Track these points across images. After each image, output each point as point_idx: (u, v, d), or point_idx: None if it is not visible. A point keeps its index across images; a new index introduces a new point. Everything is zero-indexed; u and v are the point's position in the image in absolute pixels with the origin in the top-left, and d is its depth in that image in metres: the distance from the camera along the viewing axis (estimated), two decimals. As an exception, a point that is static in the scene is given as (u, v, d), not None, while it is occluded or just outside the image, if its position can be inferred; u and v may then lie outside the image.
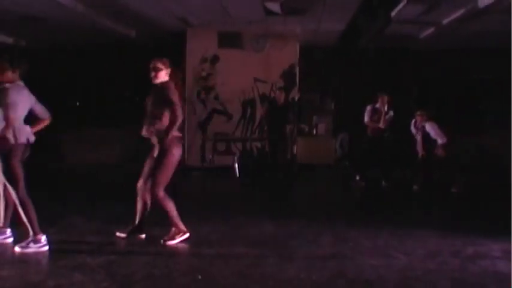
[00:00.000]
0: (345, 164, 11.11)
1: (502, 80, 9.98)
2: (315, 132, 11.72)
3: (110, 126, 11.59)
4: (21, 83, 4.56)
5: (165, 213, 4.75)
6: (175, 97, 4.69)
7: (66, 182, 9.24)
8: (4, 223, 4.80)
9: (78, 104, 12.81)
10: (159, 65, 4.85)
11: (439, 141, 8.07)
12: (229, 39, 10.62)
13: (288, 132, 9.49)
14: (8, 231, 4.84)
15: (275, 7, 8.20)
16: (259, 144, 10.81)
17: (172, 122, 4.63)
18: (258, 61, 10.66)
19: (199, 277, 3.88)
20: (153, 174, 4.67)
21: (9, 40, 11.62)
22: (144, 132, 4.78)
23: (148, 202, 4.88)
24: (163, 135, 4.63)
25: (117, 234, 4.95)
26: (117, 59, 11.85)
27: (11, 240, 4.79)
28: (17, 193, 4.45)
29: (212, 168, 10.40)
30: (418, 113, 8.33)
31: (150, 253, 4.52)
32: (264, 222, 5.79)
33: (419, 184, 8.31)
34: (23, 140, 4.47)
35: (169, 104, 4.64)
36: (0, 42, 11.53)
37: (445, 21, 8.89)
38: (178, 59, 10.73)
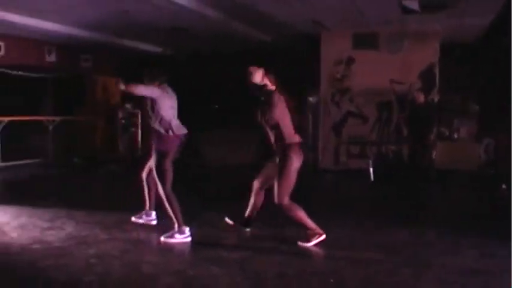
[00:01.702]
0: (490, 171, 10.24)
1: None
2: (456, 136, 11.00)
3: (246, 127, 12.04)
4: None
5: (296, 221, 4.79)
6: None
7: (204, 181, 9.80)
8: (150, 206, 5.34)
9: (217, 106, 13.54)
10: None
11: None
12: (364, 40, 10.42)
13: (429, 135, 9.02)
14: (153, 214, 5.36)
15: (413, 4, 7.88)
16: (395, 148, 10.44)
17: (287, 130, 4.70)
18: (394, 61, 10.29)
19: (331, 280, 3.87)
20: (277, 184, 4.66)
21: (158, 49, 12.71)
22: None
23: (259, 204, 5.03)
24: (281, 142, 4.67)
25: (226, 219, 5.27)
26: (254, 63, 12.29)
27: (155, 222, 5.30)
28: (164, 188, 4.86)
29: (346, 171, 10.28)
30: None
31: (283, 252, 4.62)
32: (398, 228, 5.58)
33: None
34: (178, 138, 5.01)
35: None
36: (151, 52, 12.67)
37: None
38: (314, 62, 10.85)
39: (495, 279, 3.97)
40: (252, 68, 4.88)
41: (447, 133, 10.99)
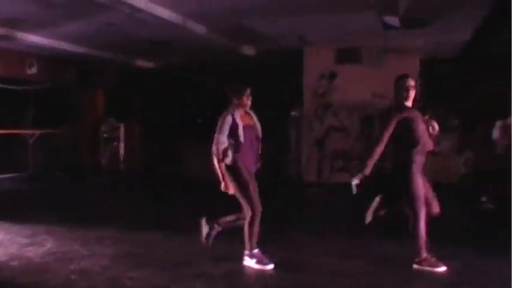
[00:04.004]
0: (470, 184, 10.36)
1: None
2: (437, 150, 11.11)
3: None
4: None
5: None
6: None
7: (188, 195, 9.73)
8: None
9: (200, 121, 13.52)
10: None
11: None
12: (347, 55, 10.53)
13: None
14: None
15: (394, 21, 7.99)
16: (378, 162, 10.48)
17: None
18: (376, 76, 10.40)
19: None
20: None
21: (144, 63, 12.70)
22: None
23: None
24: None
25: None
26: (238, 77, 12.36)
27: None
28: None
29: (329, 185, 10.31)
30: None
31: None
32: (381, 241, 5.60)
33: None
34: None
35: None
36: (136, 65, 12.65)
37: None
38: (296, 76, 10.92)
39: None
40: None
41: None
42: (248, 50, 10.89)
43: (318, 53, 10.66)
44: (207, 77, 13.03)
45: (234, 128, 4.50)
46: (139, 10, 7.19)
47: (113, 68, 13.18)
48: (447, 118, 11.29)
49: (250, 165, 4.60)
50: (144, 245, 5.31)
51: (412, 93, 4.55)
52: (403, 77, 4.62)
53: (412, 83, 4.56)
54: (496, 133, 8.01)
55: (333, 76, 10.78)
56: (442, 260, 4.66)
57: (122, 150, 13.24)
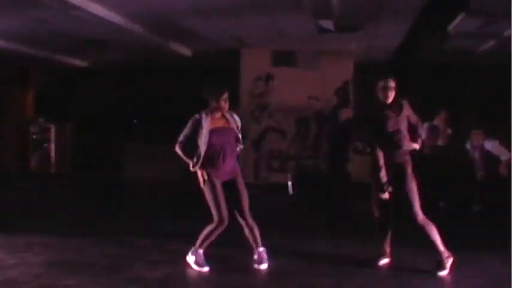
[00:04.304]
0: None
1: None
2: (368, 150, 11.51)
3: (166, 143, 11.89)
4: None
5: None
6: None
7: (123, 198, 9.51)
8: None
9: (135, 121, 13.24)
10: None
11: (502, 157, 7.72)
12: (283, 58, 10.70)
13: (348, 149, 9.35)
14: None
15: (328, 25, 8.19)
16: (313, 162, 10.74)
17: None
18: (312, 79, 10.64)
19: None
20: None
21: (78, 62, 12.25)
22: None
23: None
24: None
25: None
26: (175, 78, 12.25)
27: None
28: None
29: (266, 185, 10.41)
30: (474, 131, 8.02)
31: (207, 272, 4.57)
32: (318, 240, 5.73)
33: (479, 204, 7.97)
34: None
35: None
36: (70, 64, 12.18)
37: (506, 33, 8.58)
38: (233, 77, 10.95)
39: (406, 285, 4.26)
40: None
41: (361, 147, 11.47)
42: (184, 51, 10.79)
43: (255, 55, 10.75)
44: (144, 76, 12.78)
45: (200, 130, 4.46)
46: (74, 7, 6.93)
47: (44, 67, 12.64)
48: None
49: (219, 170, 4.50)
50: (76, 250, 5.14)
51: (391, 94, 4.68)
52: (385, 78, 4.78)
53: (392, 84, 4.71)
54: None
55: (269, 78, 10.91)
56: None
57: (52, 153, 12.71)
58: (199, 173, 4.52)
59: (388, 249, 4.80)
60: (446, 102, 9.92)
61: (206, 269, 4.52)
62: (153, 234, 5.86)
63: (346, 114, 9.42)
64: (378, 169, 4.60)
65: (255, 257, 4.65)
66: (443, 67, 11.16)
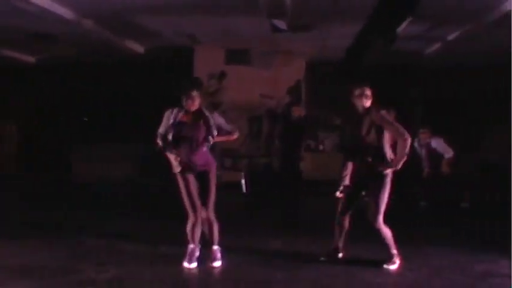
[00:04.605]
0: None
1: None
2: (321, 147, 11.73)
3: (117, 142, 11.68)
4: None
5: None
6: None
7: (72, 198, 9.28)
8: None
9: (86, 119, 12.93)
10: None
11: (446, 155, 8.06)
12: (237, 56, 10.72)
13: (301, 147, 9.45)
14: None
15: (281, 24, 8.28)
16: (266, 161, 10.82)
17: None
18: (264, 77, 10.73)
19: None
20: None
21: (31, 59, 11.80)
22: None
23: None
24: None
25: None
26: (127, 75, 12.02)
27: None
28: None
29: (219, 184, 10.38)
30: (421, 130, 8.34)
31: (157, 270, 4.54)
32: (271, 237, 5.79)
33: (425, 200, 8.28)
34: None
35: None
36: (16, 59, 11.72)
37: (450, 38, 8.96)
38: (187, 75, 10.88)
39: (355, 278, 4.38)
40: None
41: (313, 145, 11.66)
42: (137, 47, 10.63)
43: (209, 52, 10.72)
44: (95, 73, 12.46)
45: (170, 123, 4.59)
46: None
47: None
48: (330, 118, 11.96)
49: (188, 163, 4.60)
50: (20, 253, 4.98)
51: (367, 102, 4.86)
52: (361, 86, 4.97)
53: (368, 92, 4.91)
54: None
55: (222, 76, 10.91)
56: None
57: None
58: (171, 158, 4.63)
59: (341, 245, 4.93)
60: (394, 102, 10.22)
61: (187, 265, 4.57)
62: (102, 235, 5.76)
63: (297, 112, 9.54)
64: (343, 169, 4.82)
65: (210, 254, 4.69)
66: (392, 68, 11.50)
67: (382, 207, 4.65)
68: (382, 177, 4.61)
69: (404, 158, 4.49)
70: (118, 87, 12.14)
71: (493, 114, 11.54)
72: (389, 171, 4.62)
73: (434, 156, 8.18)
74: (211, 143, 4.81)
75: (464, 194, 8.34)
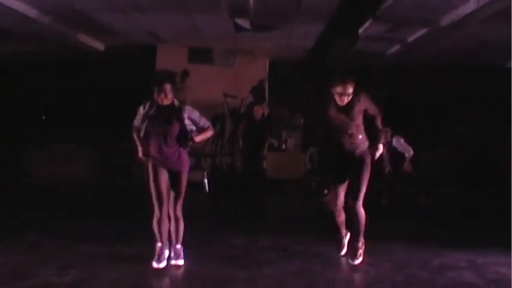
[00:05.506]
0: (314, 178, 11.17)
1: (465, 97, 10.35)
2: (284, 147, 11.79)
3: (74, 142, 11.43)
4: None
5: None
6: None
7: (28, 199, 9.00)
8: None
9: (43, 118, 12.56)
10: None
11: (407, 154, 8.24)
12: (200, 55, 10.67)
13: (264, 146, 9.47)
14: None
15: (245, 23, 8.28)
16: (229, 160, 10.80)
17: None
18: (227, 76, 10.71)
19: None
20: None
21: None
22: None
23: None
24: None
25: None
26: (86, 73, 11.74)
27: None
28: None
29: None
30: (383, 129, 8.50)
31: (120, 270, 4.46)
32: (235, 236, 5.79)
33: (386, 198, 8.45)
34: None
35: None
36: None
37: (410, 39, 9.16)
38: (149, 73, 10.72)
39: (318, 275, 4.43)
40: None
41: (276, 144, 11.71)
42: (97, 45, 10.40)
43: (171, 51, 10.61)
44: (54, 71, 12.11)
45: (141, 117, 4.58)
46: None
47: None
48: (293, 117, 12.03)
49: (159, 158, 4.55)
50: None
51: (347, 99, 4.98)
52: (343, 84, 5.05)
53: (350, 90, 5.04)
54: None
55: (185, 75, 10.80)
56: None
57: None
58: (138, 147, 4.60)
59: (346, 240, 5.03)
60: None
61: (155, 265, 4.48)
62: (61, 236, 5.60)
63: (261, 111, 9.56)
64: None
65: (172, 253, 4.64)
66: (353, 69, 11.65)
67: (365, 188, 4.74)
68: (366, 158, 4.79)
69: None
70: (78, 85, 11.85)
71: (454, 112, 11.93)
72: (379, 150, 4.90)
73: (396, 155, 8.35)
74: (192, 144, 4.81)
75: (384, 190, 8.44)
